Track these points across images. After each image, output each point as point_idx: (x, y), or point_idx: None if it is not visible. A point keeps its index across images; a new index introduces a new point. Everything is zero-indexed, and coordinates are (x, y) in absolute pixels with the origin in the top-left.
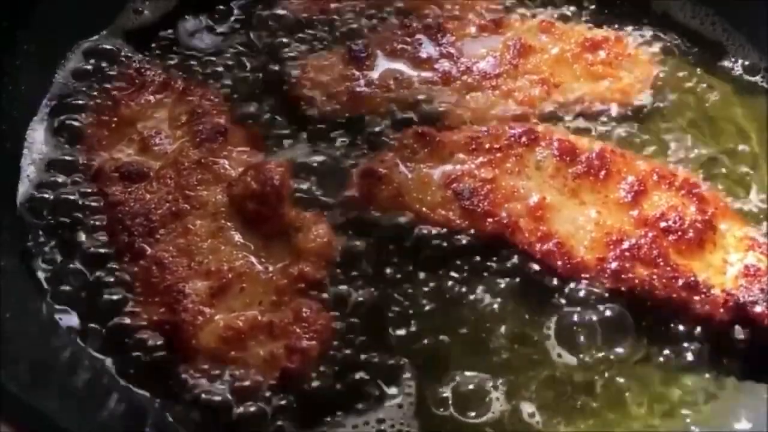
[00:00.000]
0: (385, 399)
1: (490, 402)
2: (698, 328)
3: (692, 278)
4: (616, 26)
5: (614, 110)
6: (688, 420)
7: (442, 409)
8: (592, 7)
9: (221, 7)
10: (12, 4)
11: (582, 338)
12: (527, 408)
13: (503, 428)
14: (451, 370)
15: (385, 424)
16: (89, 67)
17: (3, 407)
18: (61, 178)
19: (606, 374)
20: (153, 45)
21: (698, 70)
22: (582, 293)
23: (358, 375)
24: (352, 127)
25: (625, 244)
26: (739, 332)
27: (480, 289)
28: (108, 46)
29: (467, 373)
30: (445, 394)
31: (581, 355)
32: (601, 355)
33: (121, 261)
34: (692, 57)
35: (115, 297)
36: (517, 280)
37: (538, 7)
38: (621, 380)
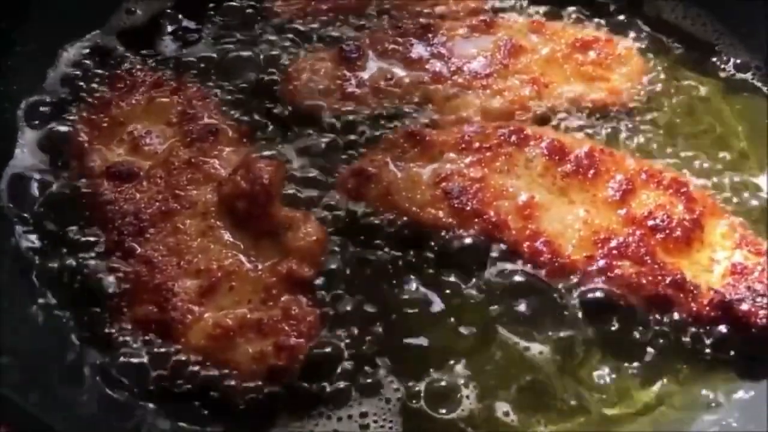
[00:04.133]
0: (371, 394)
1: (461, 399)
2: (688, 327)
3: (679, 276)
4: (607, 26)
5: (604, 110)
6: (678, 420)
7: (414, 401)
8: (583, 7)
9: (213, 7)
10: (6, 5)
11: (568, 340)
12: (502, 407)
13: (478, 425)
14: (432, 366)
15: (368, 418)
16: (81, 67)
17: None
18: (52, 178)
19: (591, 375)
20: (145, 45)
21: (689, 69)
22: (568, 294)
23: (345, 370)
24: (343, 126)
25: (613, 243)
26: (732, 331)
27: (467, 287)
28: (100, 46)
29: (446, 371)
30: (417, 388)
31: (563, 355)
32: (584, 355)
33: (111, 260)
34: (683, 56)
35: (104, 296)
36: (505, 280)
37: (529, 6)
38: (607, 381)
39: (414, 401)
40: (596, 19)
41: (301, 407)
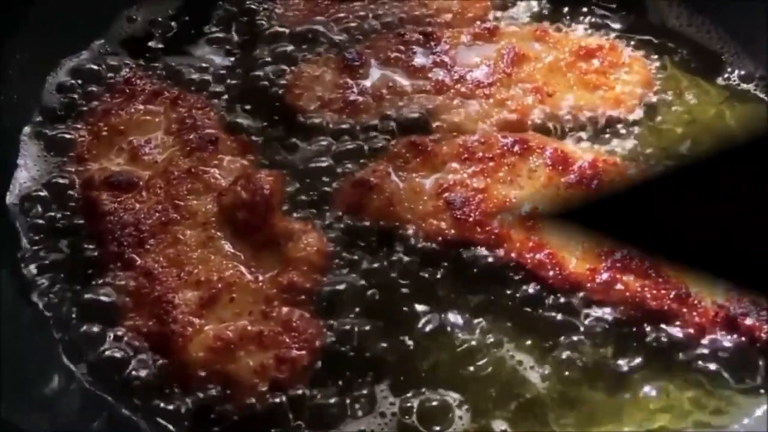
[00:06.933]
0: (367, 410)
1: (453, 418)
2: (691, 341)
3: (684, 290)
4: (611, 34)
5: (607, 119)
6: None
7: (407, 417)
8: (587, 15)
9: (214, 16)
10: (4, 12)
11: (568, 355)
12: (500, 425)
13: None
14: (427, 384)
15: None
16: (81, 75)
17: None
18: (50, 188)
19: (590, 391)
20: (145, 53)
21: (693, 78)
22: (571, 308)
23: (343, 383)
24: (344, 135)
25: (617, 255)
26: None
27: (467, 300)
28: (101, 55)
29: (441, 389)
30: (409, 404)
31: (562, 372)
32: (584, 371)
33: (110, 272)
34: (687, 65)
35: (103, 308)
36: (506, 292)
37: (531, 14)
38: (606, 397)
39: (406, 417)
40: (600, 27)
41: (299, 420)
